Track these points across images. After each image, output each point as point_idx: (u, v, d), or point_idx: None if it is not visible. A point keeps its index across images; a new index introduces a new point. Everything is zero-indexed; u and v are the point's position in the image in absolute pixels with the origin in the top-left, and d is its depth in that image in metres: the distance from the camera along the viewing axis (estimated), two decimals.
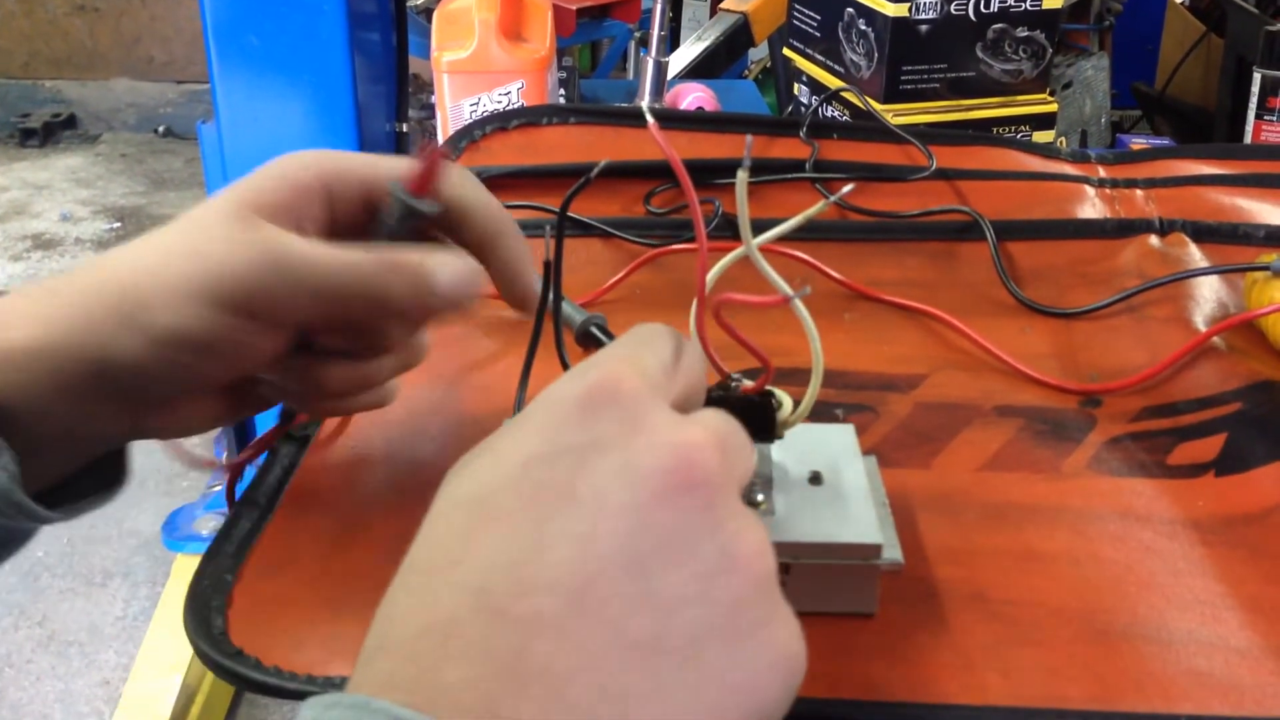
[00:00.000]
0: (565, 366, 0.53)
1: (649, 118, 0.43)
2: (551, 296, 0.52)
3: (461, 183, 0.49)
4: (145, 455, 0.52)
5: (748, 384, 0.45)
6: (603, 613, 0.30)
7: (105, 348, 0.44)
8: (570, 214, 0.78)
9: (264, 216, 0.46)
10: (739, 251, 0.42)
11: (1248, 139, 1.12)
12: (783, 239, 0.41)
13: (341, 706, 0.29)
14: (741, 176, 0.39)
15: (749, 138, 0.42)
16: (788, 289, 0.39)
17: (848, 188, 0.48)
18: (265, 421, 0.54)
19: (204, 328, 0.44)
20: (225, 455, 1.71)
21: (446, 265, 0.47)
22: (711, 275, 0.44)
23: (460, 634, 0.30)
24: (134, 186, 3.36)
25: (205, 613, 0.47)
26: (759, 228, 0.41)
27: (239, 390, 0.50)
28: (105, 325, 0.44)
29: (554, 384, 0.35)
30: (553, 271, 0.51)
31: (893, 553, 0.46)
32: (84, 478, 0.49)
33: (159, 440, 0.50)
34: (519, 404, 0.50)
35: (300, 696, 0.43)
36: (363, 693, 0.29)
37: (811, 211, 0.41)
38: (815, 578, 0.46)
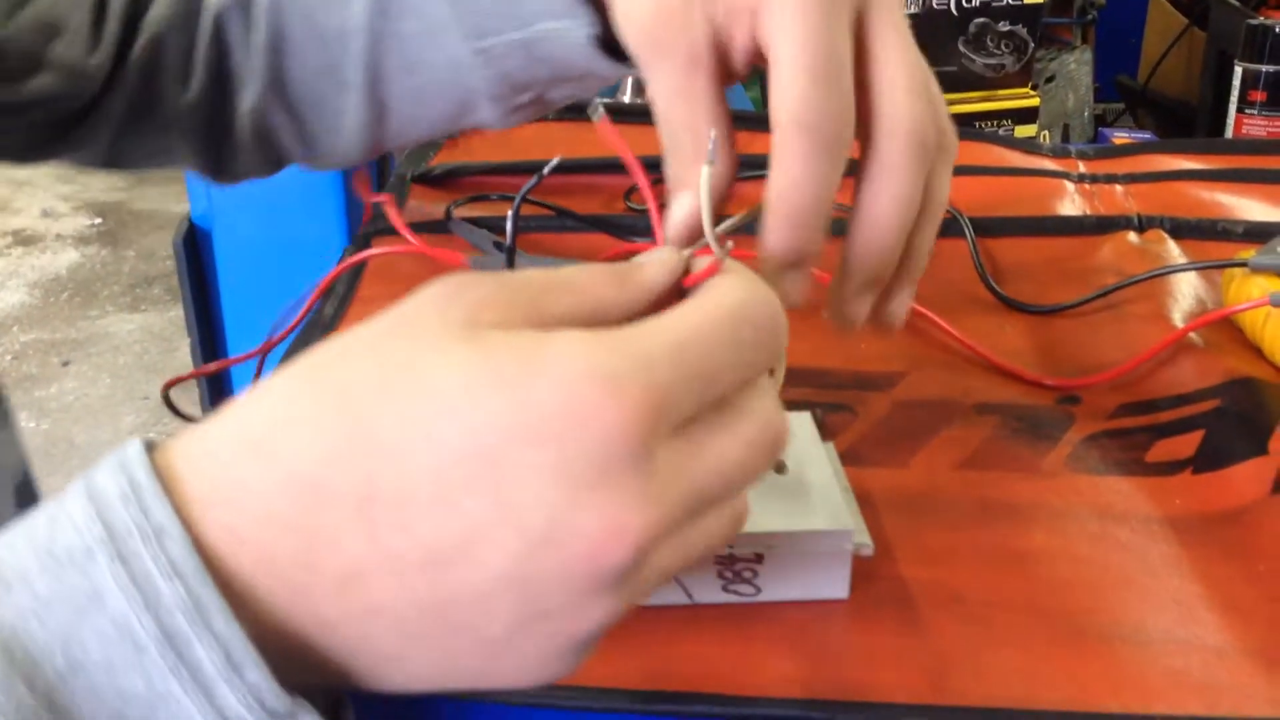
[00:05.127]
0: None
1: (600, 111, 0.43)
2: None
3: None
4: None
5: None
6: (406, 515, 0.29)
7: None
8: (551, 205, 0.77)
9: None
10: (698, 243, 0.42)
11: (1229, 132, 1.12)
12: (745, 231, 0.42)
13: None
14: (705, 171, 0.39)
15: (713, 133, 0.42)
16: (721, 252, 0.39)
17: None
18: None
19: None
20: None
21: None
22: None
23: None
24: (115, 182, 3.33)
25: None
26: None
27: None
28: None
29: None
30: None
31: (862, 537, 0.47)
32: None
33: None
34: None
35: None
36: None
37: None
38: (788, 566, 0.46)
